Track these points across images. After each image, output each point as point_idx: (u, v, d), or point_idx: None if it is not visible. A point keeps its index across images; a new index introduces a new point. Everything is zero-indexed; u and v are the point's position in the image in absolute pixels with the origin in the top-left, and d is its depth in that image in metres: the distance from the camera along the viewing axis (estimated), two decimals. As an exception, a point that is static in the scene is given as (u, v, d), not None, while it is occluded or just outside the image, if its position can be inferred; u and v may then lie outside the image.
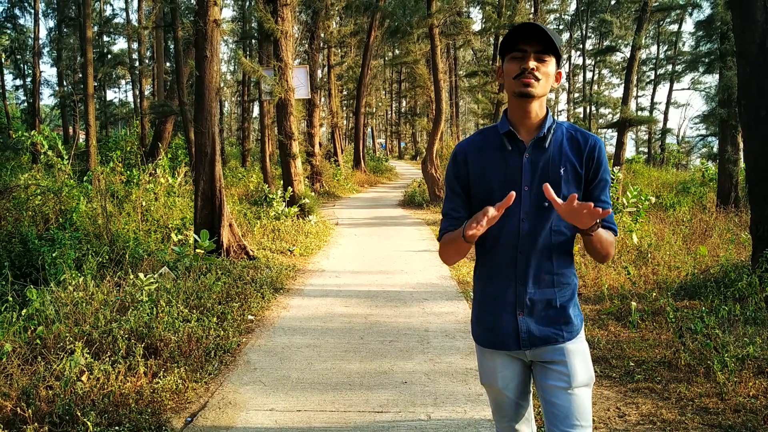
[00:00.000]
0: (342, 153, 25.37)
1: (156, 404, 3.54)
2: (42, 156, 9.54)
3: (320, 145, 20.41)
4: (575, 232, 1.89)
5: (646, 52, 30.23)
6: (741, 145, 11.70)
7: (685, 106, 68.85)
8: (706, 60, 14.99)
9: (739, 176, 11.86)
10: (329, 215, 13.60)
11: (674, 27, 29.47)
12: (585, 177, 1.85)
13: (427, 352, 4.56)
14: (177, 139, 20.06)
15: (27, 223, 7.84)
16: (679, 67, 29.63)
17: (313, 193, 14.77)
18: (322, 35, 20.65)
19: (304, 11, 20.05)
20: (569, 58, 37.53)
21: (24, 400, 3.33)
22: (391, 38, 21.77)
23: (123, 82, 38.06)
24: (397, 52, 29.40)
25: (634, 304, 5.04)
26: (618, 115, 18.22)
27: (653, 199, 9.43)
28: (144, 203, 8.85)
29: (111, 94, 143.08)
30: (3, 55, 24.28)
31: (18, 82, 30.74)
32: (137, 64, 25.69)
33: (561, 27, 35.31)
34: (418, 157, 42.15)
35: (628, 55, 17.23)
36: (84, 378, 3.57)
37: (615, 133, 17.59)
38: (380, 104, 49.80)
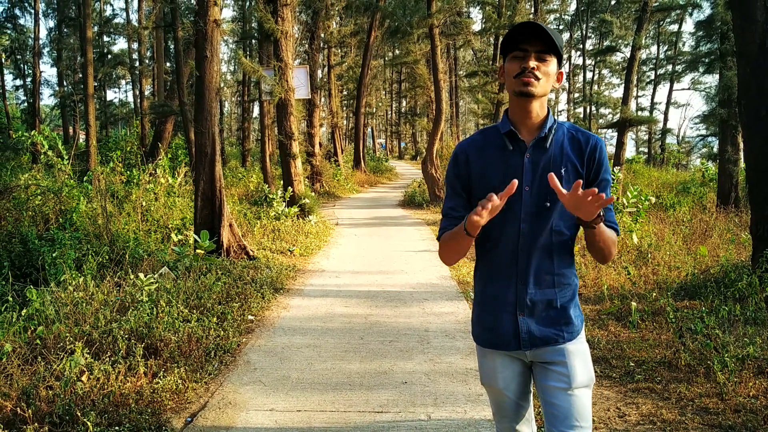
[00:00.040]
0: (342, 153, 25.37)
1: (156, 404, 3.54)
2: (42, 156, 9.53)
3: (320, 145, 20.42)
4: (576, 231, 1.88)
5: (646, 52, 30.26)
6: (741, 145, 11.70)
7: (685, 106, 68.88)
8: (706, 60, 14.99)
9: (739, 176, 11.85)
10: (329, 215, 13.60)
11: (674, 27, 29.50)
12: (586, 177, 1.84)
13: (427, 352, 4.56)
14: (177, 139, 20.06)
15: (27, 223, 7.84)
16: (679, 67, 29.65)
17: (313, 193, 14.77)
18: (322, 35, 20.65)
19: (304, 11, 20.05)
20: (569, 58, 37.53)
21: (24, 400, 3.33)
22: (391, 38, 21.78)
23: (123, 82, 38.11)
24: (397, 52, 29.41)
25: (634, 304, 5.04)
26: (618, 115, 18.22)
27: (653, 200, 9.43)
28: (144, 203, 8.86)
29: (111, 94, 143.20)
30: (3, 55, 24.28)
31: (18, 82, 30.77)
32: (137, 64, 25.69)
33: (561, 27, 35.31)
34: (418, 157, 42.16)
35: (628, 55, 17.23)
36: (84, 378, 3.56)
37: (615, 133, 17.60)
38: (380, 104, 49.80)
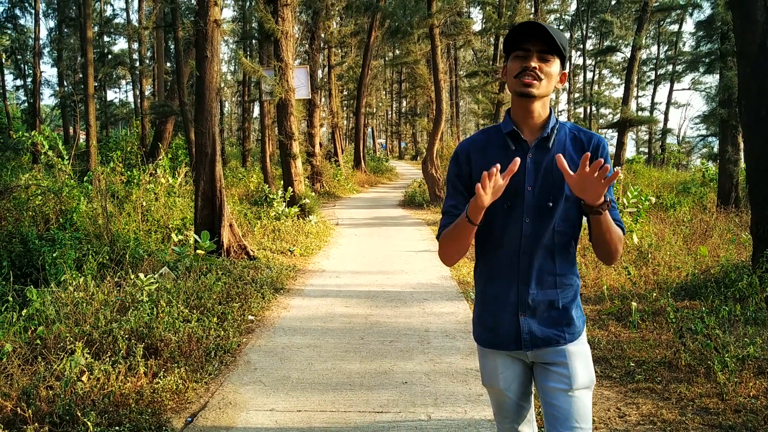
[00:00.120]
0: (342, 153, 25.37)
1: (156, 404, 3.54)
2: (42, 156, 9.54)
3: (320, 145, 20.42)
4: (578, 231, 1.88)
5: (646, 52, 30.26)
6: (741, 146, 11.69)
7: (685, 106, 68.94)
8: (707, 60, 14.99)
9: (739, 176, 11.85)
10: (329, 215, 13.60)
11: (675, 27, 29.48)
12: None
13: (428, 353, 4.56)
14: (177, 140, 20.07)
15: (27, 223, 7.84)
16: (679, 68, 29.64)
17: (313, 194, 14.77)
18: (323, 35, 20.66)
19: (305, 11, 20.04)
20: (569, 58, 37.52)
21: (24, 400, 3.33)
22: (391, 38, 21.77)
23: (123, 82, 38.14)
24: (397, 52, 29.39)
25: (634, 304, 5.03)
26: (618, 115, 18.22)
27: (653, 200, 9.43)
28: (144, 203, 8.86)
29: (111, 95, 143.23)
30: (3, 56, 24.28)
31: (18, 82, 30.78)
32: (138, 64, 25.69)
33: (561, 27, 35.29)
34: (418, 158, 42.15)
35: (629, 55, 17.23)
36: (84, 378, 3.57)
37: (615, 134, 17.59)
38: (380, 104, 49.80)
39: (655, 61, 31.23)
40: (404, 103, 47.50)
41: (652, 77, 31.80)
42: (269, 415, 3.47)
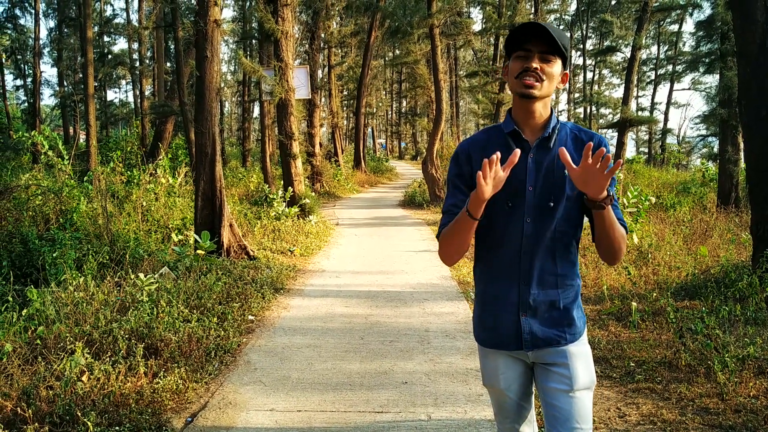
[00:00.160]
0: (342, 153, 25.37)
1: (156, 404, 3.54)
2: (42, 156, 9.54)
3: (320, 145, 20.42)
4: (579, 231, 1.87)
5: (646, 52, 30.26)
6: (741, 146, 11.69)
7: (685, 106, 68.97)
8: (707, 60, 14.99)
9: (739, 176, 11.85)
10: (329, 215, 13.60)
11: (675, 27, 29.48)
12: None
13: (428, 353, 4.56)
14: (177, 140, 20.06)
15: (27, 223, 7.84)
16: (679, 68, 29.64)
17: (313, 194, 14.77)
18: (323, 35, 20.66)
19: (305, 11, 20.04)
20: (570, 58, 37.50)
21: (24, 400, 3.33)
22: (391, 38, 21.77)
23: (123, 82, 38.14)
24: (397, 52, 29.39)
25: (634, 304, 5.04)
26: (618, 115, 18.22)
27: (653, 200, 9.43)
28: (144, 203, 8.86)
29: (111, 95, 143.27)
30: (3, 55, 24.28)
31: (18, 82, 30.79)
32: (138, 64, 25.69)
33: (561, 27, 35.30)
34: (418, 158, 42.15)
35: (629, 55, 17.23)
36: (84, 378, 3.57)
37: (615, 134, 17.59)
38: (380, 104, 49.79)
39: (655, 61, 31.24)
40: (404, 103, 47.50)
41: (652, 77, 31.81)
42: (269, 415, 3.47)
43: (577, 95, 37.25)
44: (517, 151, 1.65)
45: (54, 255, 6.17)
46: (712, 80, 26.49)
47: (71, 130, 27.14)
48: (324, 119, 26.34)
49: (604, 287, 6.01)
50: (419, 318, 5.52)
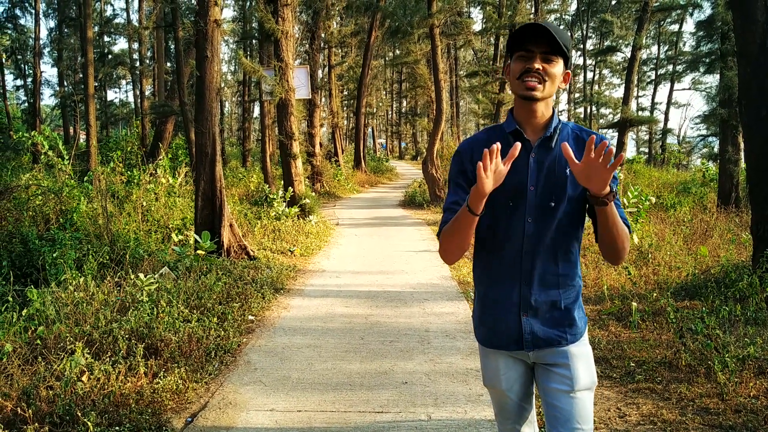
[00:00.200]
0: (342, 153, 25.37)
1: (156, 404, 3.54)
2: (42, 156, 9.54)
3: (321, 145, 20.42)
4: (581, 231, 1.87)
5: (646, 52, 30.26)
6: (742, 145, 11.69)
7: (685, 106, 68.97)
8: (707, 60, 14.99)
9: (739, 176, 11.85)
10: (330, 215, 13.60)
11: (675, 27, 29.47)
12: None
13: (428, 353, 4.56)
14: (177, 140, 20.06)
15: (27, 223, 7.84)
16: (679, 67, 29.63)
17: (313, 194, 14.77)
18: (323, 35, 20.65)
19: (305, 11, 20.04)
20: (570, 57, 37.49)
21: (24, 400, 3.33)
22: (391, 38, 21.76)
23: (124, 82, 38.13)
24: (397, 52, 29.38)
25: (634, 304, 5.03)
26: (618, 115, 18.22)
27: (654, 200, 9.42)
28: (144, 203, 8.86)
29: (112, 95, 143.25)
30: (4, 55, 24.26)
31: (19, 82, 30.77)
32: (138, 64, 25.69)
33: (562, 27, 35.24)
34: (418, 158, 42.15)
35: (629, 55, 17.22)
36: (84, 378, 3.57)
37: (615, 134, 17.57)
38: (381, 104, 49.78)
39: (655, 61, 31.23)
40: (404, 103, 47.50)
41: (653, 77, 31.80)
42: (269, 415, 3.47)
43: (577, 95, 37.25)
44: (518, 144, 1.64)
45: (54, 255, 6.17)
46: (713, 80, 26.51)
47: (71, 130, 27.14)
48: (324, 119, 26.33)
49: (604, 287, 6.01)
50: (419, 318, 5.52)
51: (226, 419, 3.43)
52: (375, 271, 7.76)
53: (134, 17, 31.20)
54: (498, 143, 1.65)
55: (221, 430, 3.30)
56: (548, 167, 1.81)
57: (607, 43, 30.74)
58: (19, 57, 27.01)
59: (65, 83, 27.34)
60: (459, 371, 4.15)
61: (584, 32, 32.90)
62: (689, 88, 35.94)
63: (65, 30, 26.80)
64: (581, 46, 33.04)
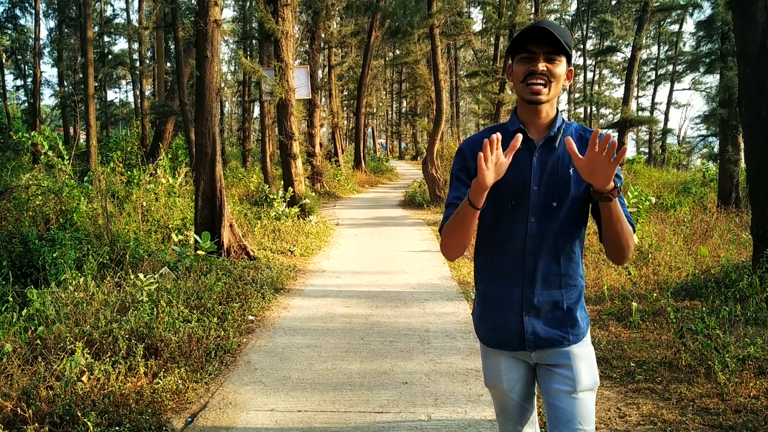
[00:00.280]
0: (342, 153, 25.37)
1: (156, 404, 3.53)
2: (42, 156, 9.54)
3: (321, 145, 20.41)
4: (583, 231, 1.86)
5: (646, 52, 30.26)
6: (742, 146, 11.69)
7: (685, 106, 68.98)
8: (707, 60, 14.99)
9: (739, 176, 11.84)
10: (330, 215, 13.60)
11: (675, 27, 29.48)
12: None
13: (428, 353, 4.55)
14: (177, 140, 20.06)
15: (27, 223, 7.84)
16: (679, 68, 29.64)
17: (313, 194, 14.77)
18: (323, 35, 20.66)
19: (305, 11, 20.04)
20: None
21: (24, 400, 3.33)
22: (391, 38, 21.76)
23: (124, 82, 38.16)
24: (397, 52, 29.36)
25: (634, 304, 5.03)
26: (619, 115, 18.22)
27: (654, 200, 9.42)
28: (144, 203, 8.86)
29: (112, 95, 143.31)
30: (4, 56, 24.27)
31: (19, 82, 30.79)
32: (138, 64, 25.69)
33: (562, 27, 35.23)
34: (418, 158, 42.14)
35: (629, 55, 17.22)
36: (84, 378, 3.56)
37: (616, 134, 17.57)
38: (381, 104, 49.78)
39: (655, 61, 31.23)
40: (404, 103, 47.50)
41: (653, 77, 31.80)
42: (269, 416, 3.47)
43: (577, 95, 37.23)
44: (519, 136, 1.63)
45: (54, 255, 6.17)
46: (713, 80, 26.52)
47: (71, 130, 27.15)
48: (324, 119, 26.35)
49: (605, 287, 6.01)
50: (419, 318, 5.52)
51: (226, 419, 3.43)
52: (375, 271, 7.76)
53: (134, 17, 31.21)
54: (498, 134, 1.64)
55: (221, 430, 3.30)
56: (551, 167, 1.81)
57: (607, 43, 30.75)
58: (19, 57, 27.02)
59: (65, 83, 27.35)
60: (459, 371, 4.15)
61: (584, 32, 32.90)
62: (689, 88, 35.93)
63: (65, 30, 26.81)
64: (581, 46, 33.03)
